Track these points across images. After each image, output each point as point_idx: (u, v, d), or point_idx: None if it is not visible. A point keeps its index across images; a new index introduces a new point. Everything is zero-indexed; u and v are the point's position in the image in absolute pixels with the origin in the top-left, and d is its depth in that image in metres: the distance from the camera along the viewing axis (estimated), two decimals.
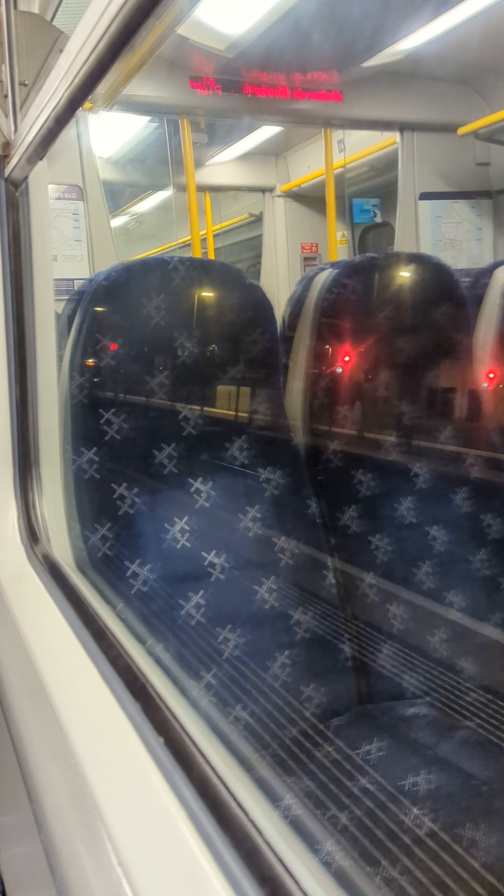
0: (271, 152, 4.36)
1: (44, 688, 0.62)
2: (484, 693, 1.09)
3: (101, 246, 2.80)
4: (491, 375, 1.39)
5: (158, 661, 0.66)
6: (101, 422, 1.05)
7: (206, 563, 1.06)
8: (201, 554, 1.06)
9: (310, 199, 4.33)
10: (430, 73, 3.25)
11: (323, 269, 1.30)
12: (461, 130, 3.28)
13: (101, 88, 0.73)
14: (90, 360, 1.06)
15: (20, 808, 0.63)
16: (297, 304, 1.30)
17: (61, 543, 1.03)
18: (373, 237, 4.43)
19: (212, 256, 4.27)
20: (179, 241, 4.39)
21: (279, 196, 4.43)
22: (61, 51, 0.81)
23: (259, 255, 4.58)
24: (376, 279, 1.30)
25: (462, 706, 1.07)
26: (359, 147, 3.75)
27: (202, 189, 4.25)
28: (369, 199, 4.31)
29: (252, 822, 0.42)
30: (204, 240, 4.16)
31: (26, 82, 1.08)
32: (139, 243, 5.81)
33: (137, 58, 2.19)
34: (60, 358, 1.08)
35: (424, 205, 3.46)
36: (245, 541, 1.10)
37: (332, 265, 1.31)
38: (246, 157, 4.27)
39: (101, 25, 0.61)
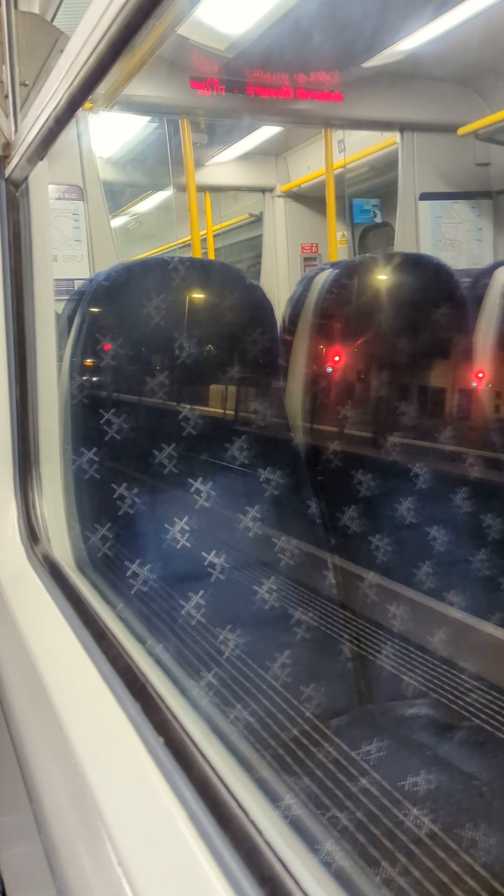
0: (271, 152, 4.36)
1: (44, 688, 0.62)
2: (484, 693, 1.09)
3: (101, 246, 2.80)
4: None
5: (158, 661, 0.66)
6: (101, 422, 1.05)
7: (206, 564, 1.06)
8: (201, 554, 1.06)
9: (310, 199, 4.33)
10: (430, 73, 3.25)
11: (323, 270, 1.30)
12: (461, 131, 3.28)
13: (102, 88, 0.73)
14: (90, 360, 1.06)
15: (20, 808, 0.63)
16: (297, 305, 1.30)
17: (61, 543, 1.03)
18: (373, 237, 4.44)
19: (212, 256, 4.27)
20: (179, 242, 4.39)
21: (279, 196, 4.43)
22: (61, 51, 0.81)
23: (259, 256, 4.58)
24: (376, 279, 1.30)
25: (462, 706, 1.07)
26: (359, 147, 3.75)
27: (202, 189, 4.25)
28: (369, 199, 4.31)
29: (252, 822, 0.42)
30: (204, 240, 4.16)
31: (27, 82, 1.08)
32: (139, 243, 5.81)
33: (138, 58, 2.19)
34: (60, 358, 1.08)
35: (424, 205, 3.46)
36: (245, 541, 1.10)
37: (332, 265, 1.31)
38: (246, 157, 4.27)
39: (101, 26, 0.61)
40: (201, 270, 1.15)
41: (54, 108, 0.81)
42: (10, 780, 0.71)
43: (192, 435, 1.10)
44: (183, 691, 0.61)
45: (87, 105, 1.23)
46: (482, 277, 1.44)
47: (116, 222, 5.19)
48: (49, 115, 0.83)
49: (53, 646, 0.71)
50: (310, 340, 1.26)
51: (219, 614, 1.04)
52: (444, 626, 1.20)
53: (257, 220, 4.65)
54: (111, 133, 3.82)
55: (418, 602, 1.20)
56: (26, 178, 1.03)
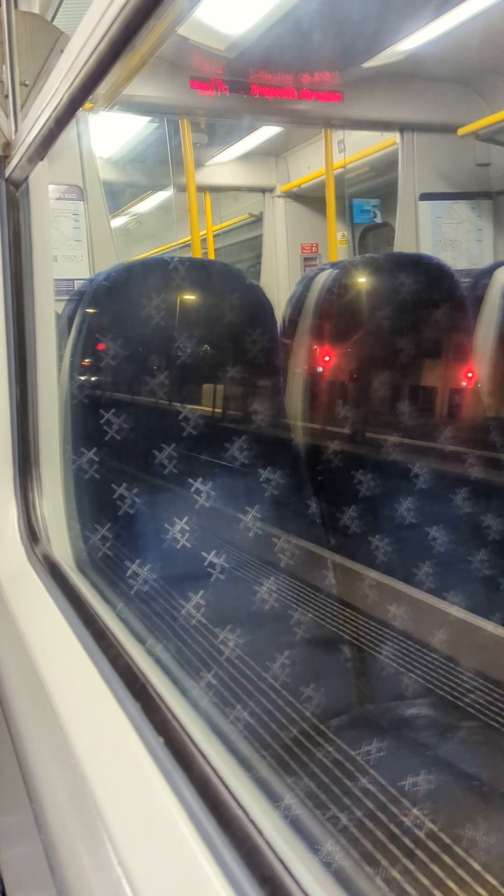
0: (271, 153, 4.36)
1: (44, 688, 0.62)
2: (485, 693, 1.09)
3: (101, 246, 2.80)
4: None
5: (158, 661, 0.66)
6: (101, 422, 1.05)
7: (206, 564, 1.06)
8: (201, 554, 1.06)
9: (310, 199, 4.33)
10: (431, 73, 3.25)
11: (323, 270, 1.30)
12: (461, 131, 3.28)
13: (102, 88, 0.73)
14: (90, 360, 1.06)
15: (20, 808, 0.63)
16: (297, 305, 1.30)
17: (61, 543, 1.03)
18: (373, 238, 4.44)
19: (212, 257, 4.27)
20: (179, 242, 4.39)
21: (279, 196, 4.44)
22: (62, 51, 0.81)
23: (259, 256, 4.58)
24: (376, 279, 1.30)
25: (462, 706, 1.07)
26: (359, 147, 3.75)
27: (202, 189, 4.25)
28: (369, 199, 4.32)
29: (252, 822, 0.42)
30: (204, 240, 4.16)
31: (27, 82, 1.08)
32: (139, 243, 5.82)
33: (138, 58, 2.19)
34: (60, 358, 1.08)
35: (424, 205, 3.47)
36: (245, 541, 1.10)
37: (332, 265, 1.31)
38: (246, 157, 4.28)
39: (101, 25, 0.61)
40: (201, 270, 1.15)
41: (54, 108, 0.81)
42: (10, 780, 0.71)
43: (192, 435, 1.10)
44: (183, 691, 0.61)
45: (87, 105, 1.23)
46: (482, 278, 1.44)
47: (116, 222, 5.19)
48: (49, 115, 0.83)
49: (53, 646, 0.71)
50: (310, 340, 1.26)
51: (219, 614, 1.04)
52: (445, 626, 1.20)
53: (257, 220, 4.65)
54: (111, 133, 3.82)
55: (419, 600, 1.20)
56: (26, 178, 1.03)
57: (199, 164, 3.98)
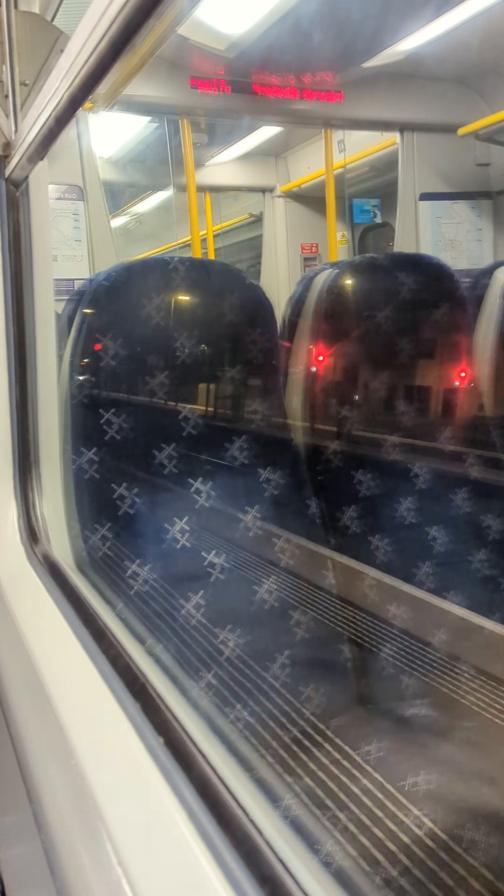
0: (271, 153, 4.36)
1: (44, 688, 0.62)
2: (485, 693, 1.09)
3: (101, 246, 2.80)
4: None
5: (158, 661, 0.66)
6: (101, 422, 1.05)
7: (205, 563, 1.06)
8: (201, 554, 1.06)
9: (310, 199, 4.33)
10: (431, 73, 3.25)
11: (323, 270, 1.30)
12: (461, 131, 3.28)
13: (102, 88, 0.73)
14: (90, 360, 1.06)
15: (20, 808, 0.63)
16: (297, 305, 1.30)
17: (61, 543, 1.03)
18: (373, 237, 4.44)
19: (212, 256, 4.27)
20: (179, 242, 4.39)
21: (279, 196, 4.44)
22: (62, 51, 0.81)
23: (259, 256, 4.58)
24: (376, 279, 1.30)
25: (463, 706, 1.07)
26: (359, 147, 3.75)
27: (202, 189, 4.25)
28: (369, 199, 4.32)
29: (252, 822, 0.42)
30: (204, 240, 4.16)
31: (27, 82, 1.08)
32: (139, 243, 5.82)
33: (138, 58, 2.19)
34: (60, 358, 1.08)
35: (424, 205, 3.47)
36: (245, 541, 1.10)
37: (332, 265, 1.31)
38: (246, 157, 4.28)
39: (101, 25, 0.61)
40: (201, 270, 1.15)
41: (54, 108, 0.81)
42: (10, 780, 0.71)
43: (192, 435, 1.10)
44: (183, 691, 0.61)
45: (87, 105, 1.23)
46: (482, 278, 1.44)
47: (116, 222, 5.19)
48: (49, 115, 0.83)
49: (53, 646, 0.71)
50: (310, 340, 1.26)
51: (219, 614, 1.04)
52: (446, 626, 1.20)
53: (257, 220, 4.65)
54: (111, 133, 3.82)
55: (419, 603, 1.20)
56: (26, 177, 1.03)
57: (199, 163, 3.98)
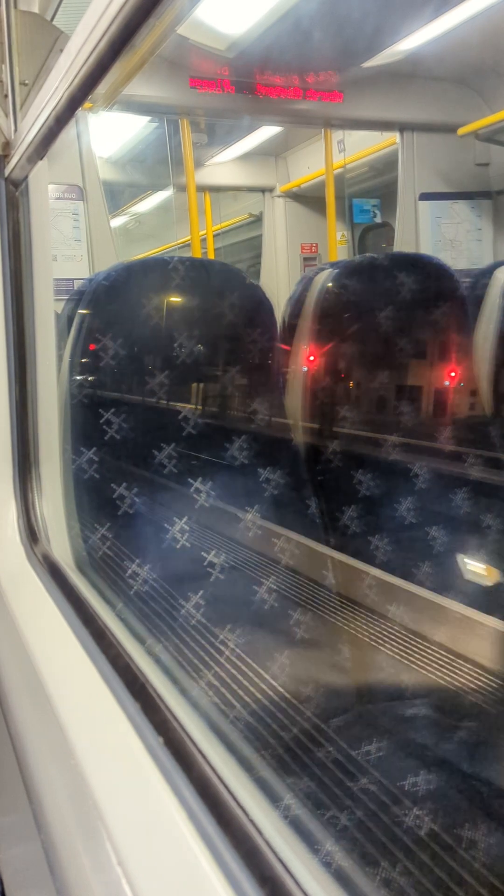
0: (271, 152, 4.36)
1: (44, 688, 0.62)
2: (485, 693, 1.09)
3: (100, 246, 2.80)
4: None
5: (158, 661, 0.66)
6: (101, 421, 1.05)
7: (205, 563, 1.06)
8: (201, 554, 1.06)
9: (310, 199, 4.33)
10: (430, 73, 3.25)
11: (323, 269, 1.30)
12: (461, 131, 3.28)
13: (102, 88, 0.73)
14: (90, 360, 1.06)
15: (20, 808, 0.63)
16: (296, 304, 1.30)
17: (61, 543, 1.03)
18: (373, 237, 4.44)
19: (212, 256, 4.27)
20: (179, 241, 4.39)
21: (279, 196, 4.43)
22: (61, 50, 0.81)
23: (259, 255, 4.58)
24: (376, 279, 1.30)
25: (463, 706, 1.07)
26: (359, 147, 3.75)
27: (202, 189, 4.25)
28: (369, 199, 4.32)
29: (252, 822, 0.42)
30: (204, 240, 4.16)
31: (26, 82, 1.08)
32: (139, 243, 5.82)
33: (138, 57, 2.19)
34: (60, 358, 1.08)
35: (424, 205, 3.47)
36: (245, 540, 1.10)
37: (332, 265, 1.31)
38: (246, 157, 4.27)
39: (101, 25, 0.61)
40: (201, 270, 1.15)
41: (54, 108, 0.81)
42: (10, 780, 0.71)
43: (191, 434, 1.10)
44: (183, 691, 0.61)
45: (87, 105, 1.23)
46: (482, 277, 1.44)
47: (116, 222, 5.19)
48: (49, 115, 0.83)
49: (53, 646, 0.71)
50: (309, 340, 1.26)
51: (218, 614, 1.04)
52: (446, 625, 1.20)
53: (257, 220, 4.65)
54: (111, 133, 3.82)
55: (419, 602, 1.20)
56: (26, 177, 1.03)
57: (198, 163, 3.98)
